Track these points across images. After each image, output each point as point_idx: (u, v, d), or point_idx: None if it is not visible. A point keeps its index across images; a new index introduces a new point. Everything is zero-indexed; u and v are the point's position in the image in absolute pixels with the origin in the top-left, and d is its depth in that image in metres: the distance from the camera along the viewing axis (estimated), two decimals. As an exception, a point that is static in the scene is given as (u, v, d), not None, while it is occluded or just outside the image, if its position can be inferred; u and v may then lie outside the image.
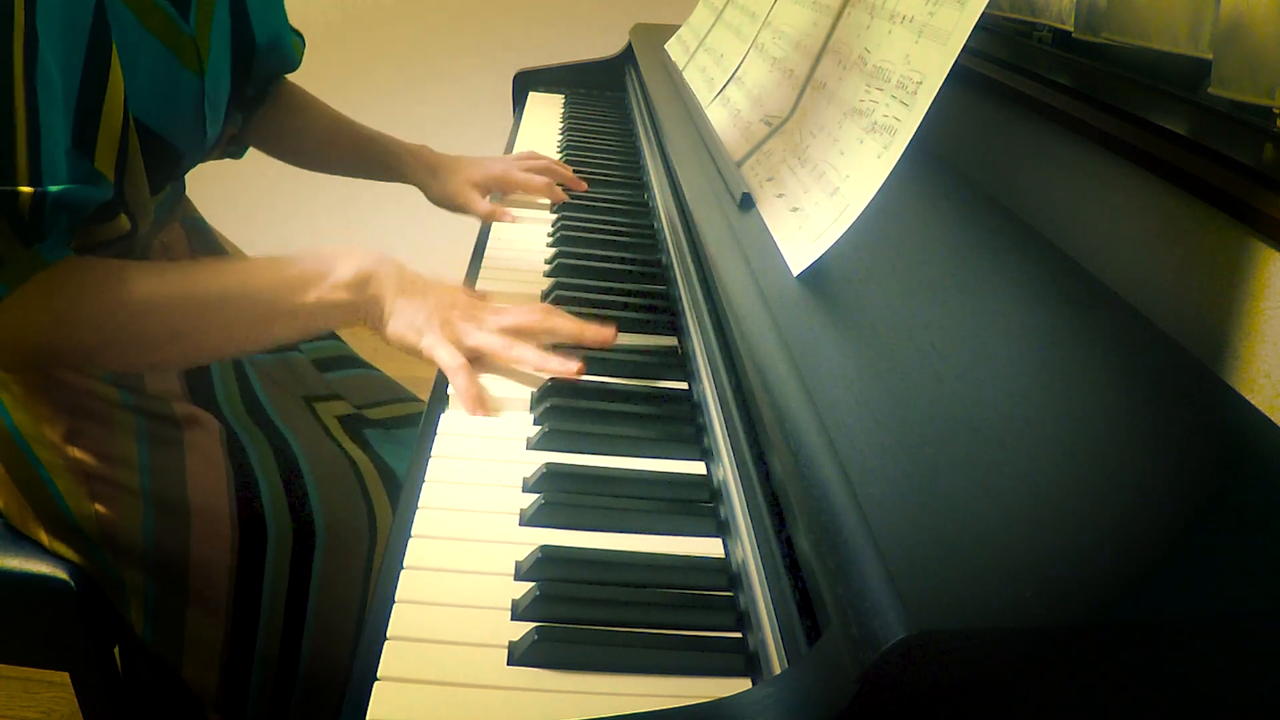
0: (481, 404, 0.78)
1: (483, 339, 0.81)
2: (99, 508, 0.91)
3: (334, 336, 1.22)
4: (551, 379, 0.80)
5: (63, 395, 0.91)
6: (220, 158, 1.18)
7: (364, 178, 1.24)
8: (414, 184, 1.23)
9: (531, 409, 0.78)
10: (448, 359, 0.80)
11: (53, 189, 0.73)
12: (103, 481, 0.91)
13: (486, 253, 1.07)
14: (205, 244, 1.11)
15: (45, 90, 0.73)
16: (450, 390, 0.78)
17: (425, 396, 0.84)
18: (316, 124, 1.21)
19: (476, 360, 0.82)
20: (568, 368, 0.80)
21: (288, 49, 1.09)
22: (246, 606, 0.94)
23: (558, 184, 1.25)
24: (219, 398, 1.00)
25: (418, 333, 0.81)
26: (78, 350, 0.81)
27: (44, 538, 0.95)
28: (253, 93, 1.12)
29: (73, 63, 0.75)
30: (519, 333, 0.82)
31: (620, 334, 0.87)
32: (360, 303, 0.82)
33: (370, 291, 0.82)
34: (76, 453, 0.91)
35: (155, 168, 0.88)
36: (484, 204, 1.20)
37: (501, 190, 1.22)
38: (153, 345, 0.82)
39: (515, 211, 1.18)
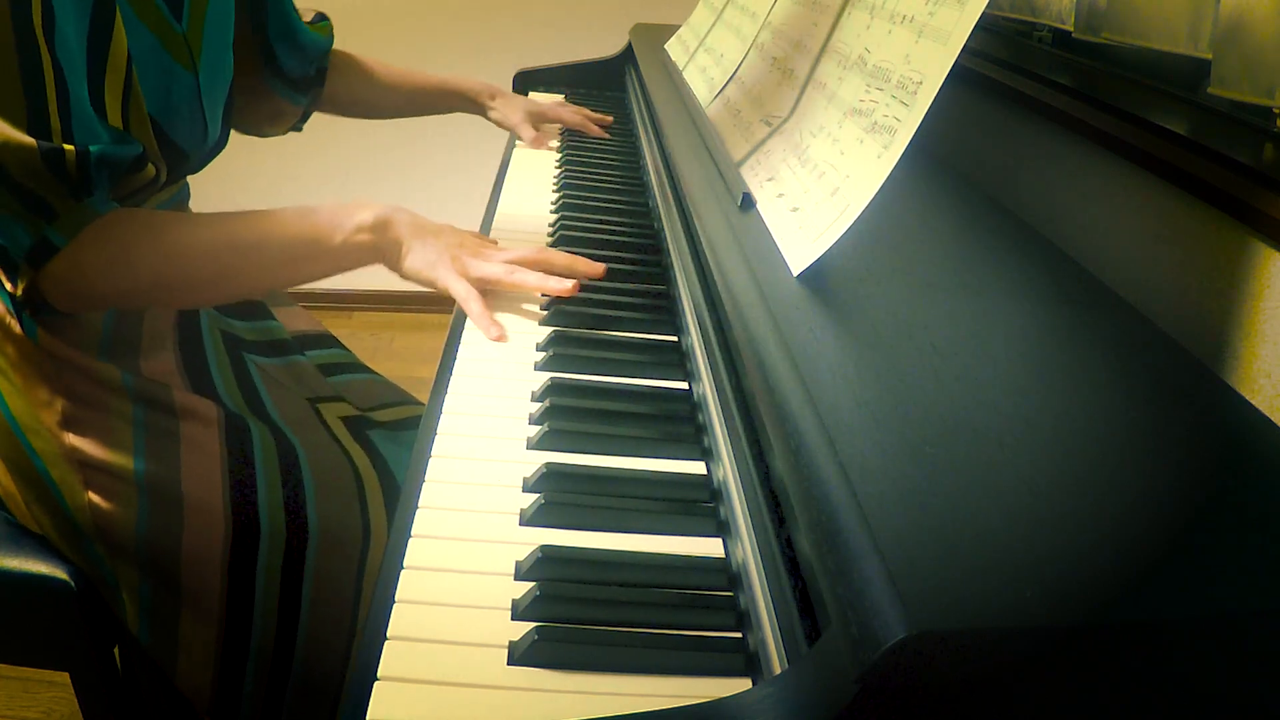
0: (496, 324, 0.88)
1: (488, 269, 0.91)
2: (93, 497, 0.91)
3: (337, 345, 1.23)
4: (552, 379, 0.80)
5: (61, 379, 0.91)
6: (284, 133, 1.28)
7: (432, 114, 1.44)
8: (480, 106, 1.45)
9: (531, 409, 0.78)
10: (461, 290, 0.90)
11: (94, 148, 0.80)
12: (98, 470, 0.91)
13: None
14: None
15: (65, 55, 0.78)
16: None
17: (424, 398, 0.84)
18: (379, 81, 1.35)
19: (485, 293, 0.91)
20: (564, 286, 0.91)
21: (308, 42, 1.18)
22: (239, 607, 0.94)
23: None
24: (220, 393, 1.00)
25: (431, 267, 0.91)
26: (131, 291, 0.89)
27: (38, 528, 0.95)
28: (309, 72, 1.22)
29: (81, 27, 0.80)
30: (520, 264, 0.93)
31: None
32: (380, 244, 0.90)
33: (390, 234, 0.91)
34: (72, 439, 0.91)
35: (162, 155, 0.91)
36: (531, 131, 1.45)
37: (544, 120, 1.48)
38: (198, 285, 0.91)
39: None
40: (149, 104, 0.87)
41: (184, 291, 0.91)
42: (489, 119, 1.47)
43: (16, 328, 0.90)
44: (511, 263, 0.92)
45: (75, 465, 0.91)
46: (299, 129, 1.30)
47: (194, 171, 1.02)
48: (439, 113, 1.44)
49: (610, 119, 1.55)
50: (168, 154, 0.91)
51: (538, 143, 1.45)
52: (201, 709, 0.97)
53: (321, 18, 1.24)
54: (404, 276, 0.92)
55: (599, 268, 0.95)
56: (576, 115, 1.52)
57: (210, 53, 0.94)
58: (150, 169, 0.89)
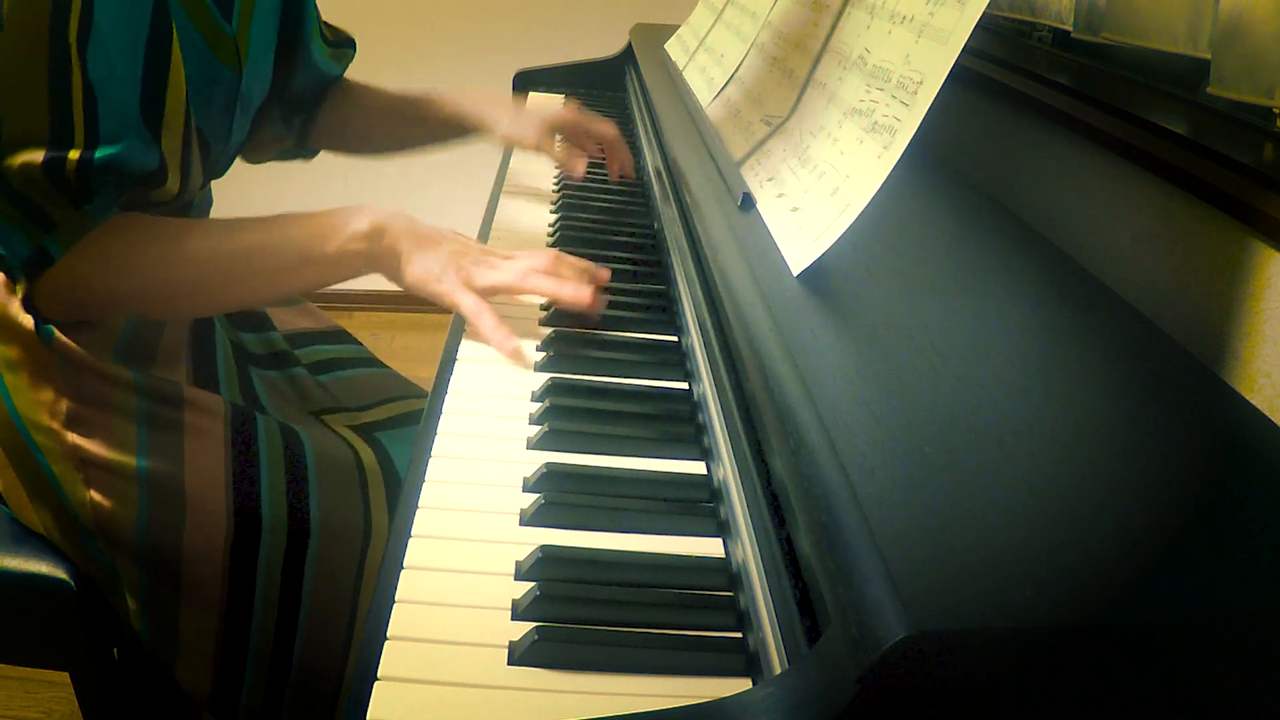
0: (511, 336, 0.84)
1: (498, 277, 0.87)
2: (94, 495, 0.91)
3: (339, 341, 1.23)
4: (552, 378, 0.80)
5: (69, 379, 0.91)
6: (292, 158, 1.21)
7: (440, 145, 1.24)
8: (486, 130, 1.21)
9: (531, 408, 0.78)
10: (469, 304, 0.85)
11: (99, 154, 0.79)
12: (99, 469, 0.91)
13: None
14: None
15: (99, 63, 0.78)
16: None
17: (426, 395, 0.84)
18: (377, 105, 1.22)
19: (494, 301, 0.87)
20: (580, 294, 0.86)
21: (318, 59, 1.14)
22: (240, 602, 0.94)
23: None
24: (224, 395, 1.00)
25: (435, 279, 0.87)
26: (123, 298, 0.88)
27: (40, 525, 0.95)
28: (308, 91, 1.15)
29: (137, 41, 0.81)
30: (531, 274, 0.88)
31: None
32: (376, 252, 0.87)
33: (386, 242, 0.87)
34: (75, 438, 0.91)
35: (189, 150, 0.91)
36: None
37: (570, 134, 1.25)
38: (191, 293, 0.89)
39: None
40: (191, 101, 0.87)
41: (176, 300, 0.90)
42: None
43: (29, 325, 0.90)
44: (523, 271, 0.87)
45: (76, 463, 0.91)
46: (307, 157, 1.23)
47: (218, 175, 1.02)
48: (445, 146, 1.24)
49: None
50: (198, 148, 0.91)
51: (573, 163, 1.19)
52: (201, 705, 0.97)
53: (347, 44, 1.19)
54: (405, 289, 0.88)
55: (605, 273, 0.92)
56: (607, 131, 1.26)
57: (254, 54, 0.94)
58: (171, 185, 0.88)
